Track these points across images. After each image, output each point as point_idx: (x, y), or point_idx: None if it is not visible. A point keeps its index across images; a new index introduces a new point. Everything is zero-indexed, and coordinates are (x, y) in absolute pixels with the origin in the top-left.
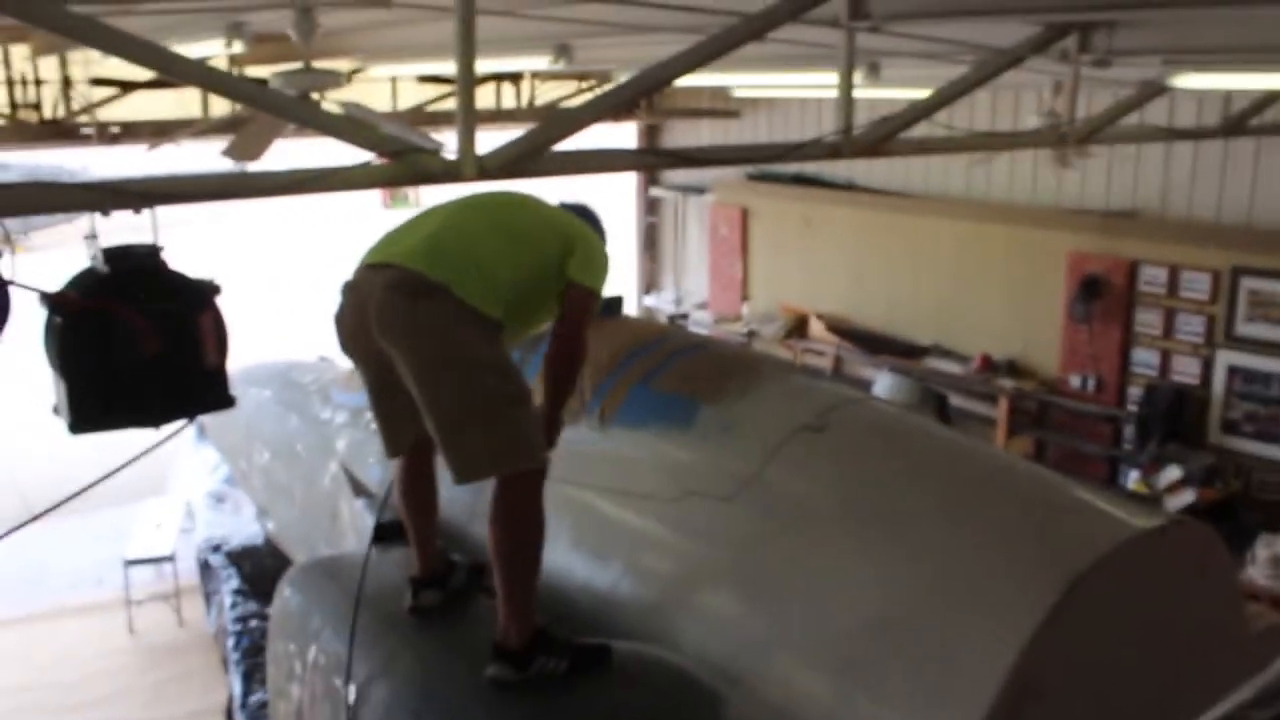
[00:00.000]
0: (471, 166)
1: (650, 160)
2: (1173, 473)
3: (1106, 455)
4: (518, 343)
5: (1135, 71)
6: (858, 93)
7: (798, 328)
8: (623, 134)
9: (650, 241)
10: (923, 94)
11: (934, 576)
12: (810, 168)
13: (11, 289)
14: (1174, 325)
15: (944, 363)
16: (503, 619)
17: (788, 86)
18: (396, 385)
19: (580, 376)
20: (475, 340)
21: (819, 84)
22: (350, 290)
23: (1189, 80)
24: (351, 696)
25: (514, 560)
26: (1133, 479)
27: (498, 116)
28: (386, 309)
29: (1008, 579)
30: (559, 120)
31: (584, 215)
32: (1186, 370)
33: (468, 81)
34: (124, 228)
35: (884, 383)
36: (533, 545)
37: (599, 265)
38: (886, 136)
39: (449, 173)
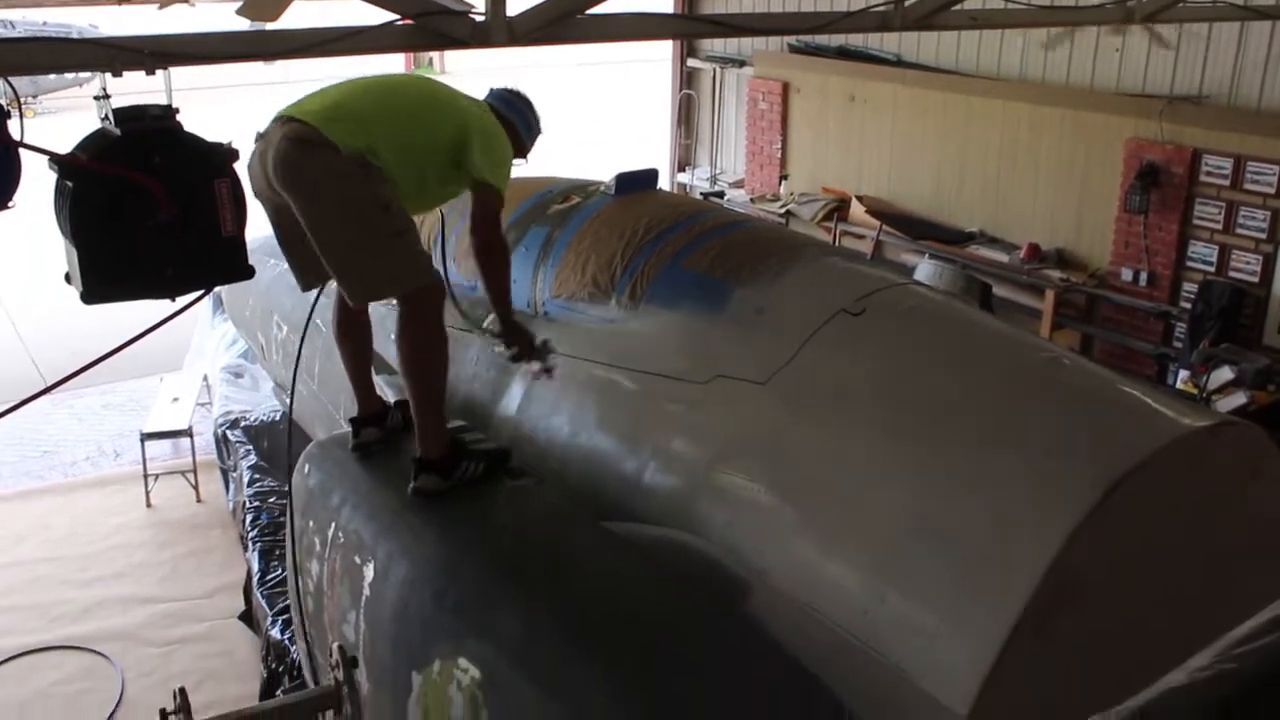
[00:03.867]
0: (501, 30)
1: (688, 27)
2: (1225, 373)
3: (1156, 353)
4: (422, 211)
5: None
6: None
7: (837, 209)
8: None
9: (686, 115)
10: None
11: (971, 470)
12: (857, 40)
13: (21, 151)
14: (1235, 219)
15: (989, 250)
16: (419, 435)
17: None
18: (297, 226)
19: (612, 255)
20: (358, 184)
21: None
22: (259, 139)
23: None
24: (371, 575)
25: (421, 376)
26: (1182, 379)
27: None
28: (281, 157)
29: (1048, 476)
30: None
31: (507, 103)
32: (1246, 267)
33: None
34: (137, 93)
35: (926, 269)
36: (437, 360)
37: (496, 160)
38: (940, 8)
39: (477, 37)
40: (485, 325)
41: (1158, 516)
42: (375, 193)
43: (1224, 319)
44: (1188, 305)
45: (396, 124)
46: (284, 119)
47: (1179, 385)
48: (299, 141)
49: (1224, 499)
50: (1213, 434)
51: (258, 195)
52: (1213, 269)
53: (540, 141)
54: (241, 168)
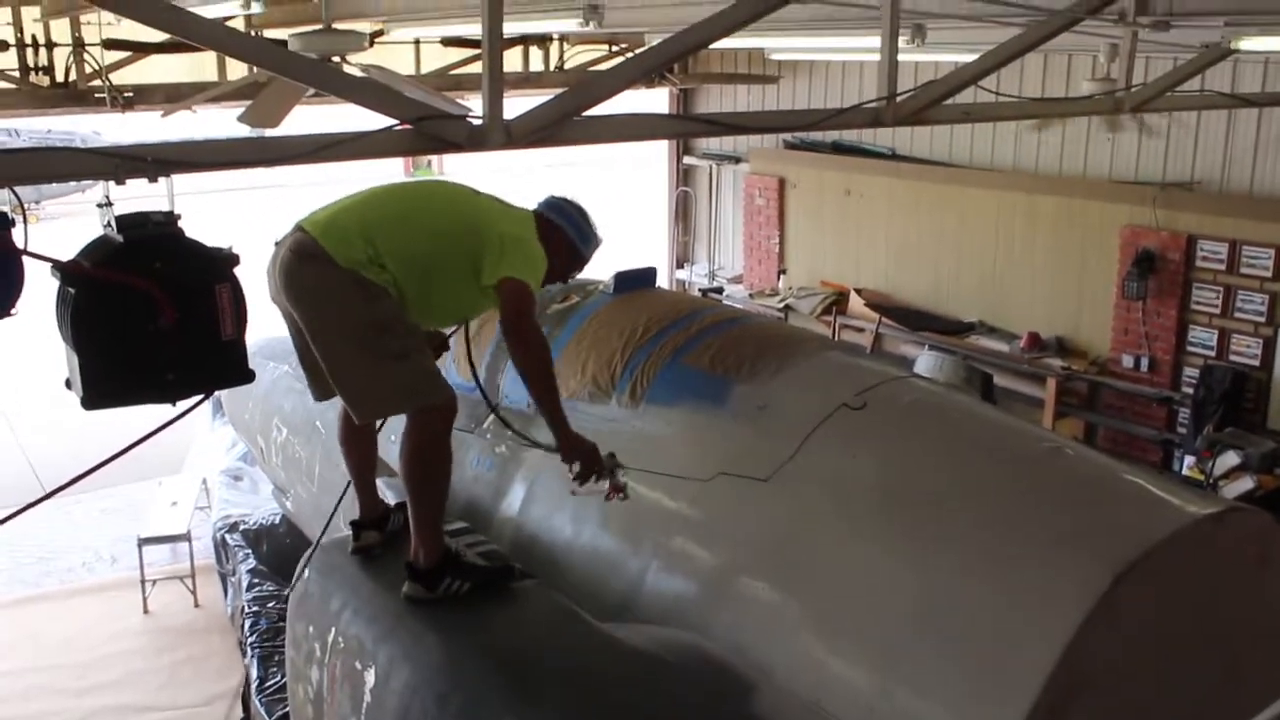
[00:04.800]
0: (498, 133)
1: (683, 126)
2: (1230, 458)
3: (1160, 439)
4: (451, 323)
5: (1196, 34)
6: (902, 57)
7: (836, 303)
8: (655, 100)
9: (683, 212)
10: (970, 58)
11: (977, 564)
12: (851, 136)
13: (24, 259)
14: (1233, 303)
15: (989, 340)
16: (414, 543)
17: (828, 50)
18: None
19: (612, 354)
20: (355, 304)
21: (861, 47)
22: (276, 246)
23: (1254, 43)
24: (372, 681)
25: (421, 491)
26: (1187, 465)
27: (525, 81)
28: (284, 268)
29: (1054, 568)
30: (589, 85)
31: (557, 210)
32: (1246, 351)
33: (495, 43)
34: (138, 197)
35: (926, 361)
36: (438, 477)
37: (523, 259)
38: (932, 103)
39: (474, 140)
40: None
41: (1166, 605)
42: (372, 313)
43: (1227, 403)
44: (1190, 390)
45: (405, 236)
46: (296, 228)
47: (1185, 471)
48: (299, 253)
49: (1232, 586)
50: (1220, 521)
51: (274, 301)
52: (1213, 353)
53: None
54: (242, 272)
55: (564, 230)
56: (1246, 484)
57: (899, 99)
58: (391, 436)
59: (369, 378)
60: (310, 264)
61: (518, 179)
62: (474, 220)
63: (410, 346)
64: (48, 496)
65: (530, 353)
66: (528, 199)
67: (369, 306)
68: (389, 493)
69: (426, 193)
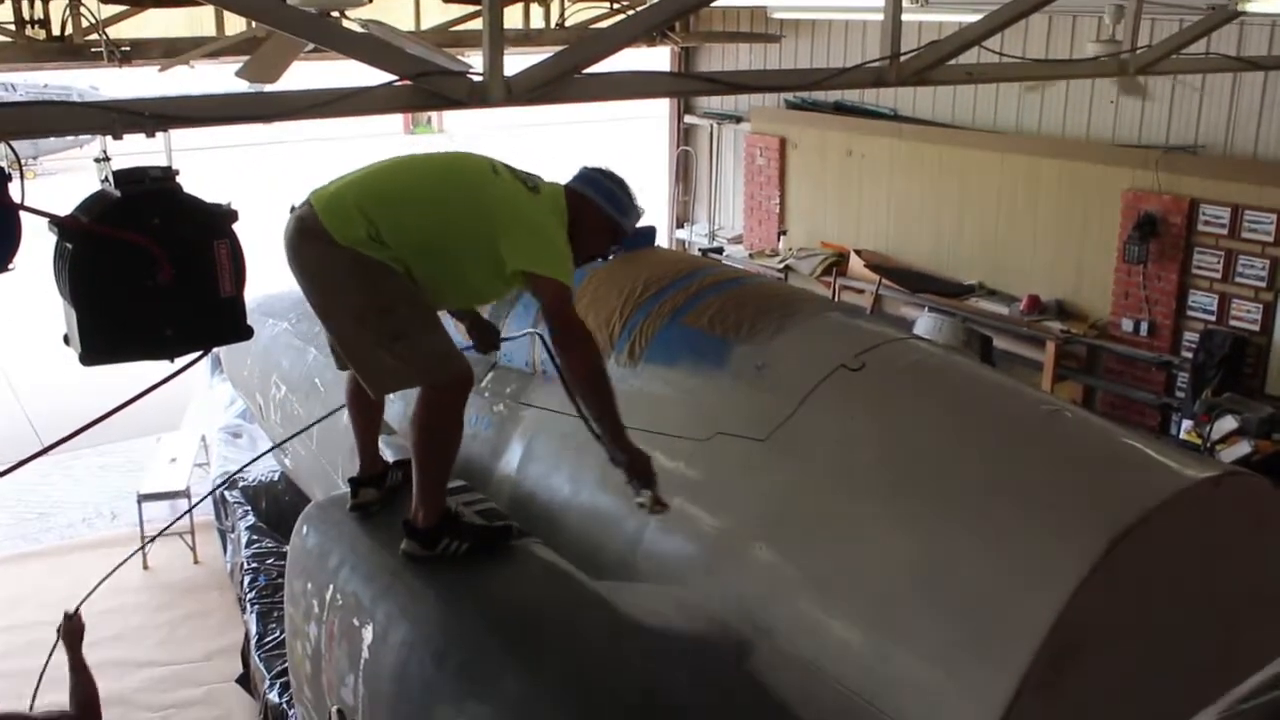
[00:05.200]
0: (499, 89)
1: (685, 85)
2: (1228, 423)
3: (1158, 403)
4: (453, 306)
5: None
6: (906, 16)
7: (836, 264)
8: (656, 58)
9: (683, 172)
10: (974, 18)
11: (974, 526)
12: (853, 96)
13: (21, 213)
14: (1234, 268)
15: (989, 303)
16: (414, 501)
17: (831, 9)
18: None
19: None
20: (354, 283)
21: (865, 6)
22: (289, 215)
23: (1261, 5)
24: (370, 637)
25: (428, 458)
26: (1185, 429)
27: (526, 38)
28: (286, 243)
29: (1051, 530)
30: (590, 42)
31: (590, 182)
32: (1246, 315)
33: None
34: (136, 153)
35: (926, 322)
36: (447, 448)
37: (537, 248)
38: (935, 63)
39: (475, 96)
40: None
41: (1162, 569)
42: (372, 292)
43: (1226, 368)
44: (1189, 355)
45: (408, 213)
46: (306, 199)
47: (1182, 435)
48: (300, 229)
49: (1228, 550)
50: (1217, 485)
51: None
52: (1213, 318)
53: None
54: (241, 229)
55: (597, 204)
56: (1244, 449)
57: (902, 59)
58: (391, 396)
59: (374, 357)
60: (309, 241)
61: (515, 137)
62: (488, 202)
63: (415, 326)
64: (46, 450)
65: (585, 361)
66: (532, 157)
67: (368, 286)
68: (387, 450)
69: (439, 168)
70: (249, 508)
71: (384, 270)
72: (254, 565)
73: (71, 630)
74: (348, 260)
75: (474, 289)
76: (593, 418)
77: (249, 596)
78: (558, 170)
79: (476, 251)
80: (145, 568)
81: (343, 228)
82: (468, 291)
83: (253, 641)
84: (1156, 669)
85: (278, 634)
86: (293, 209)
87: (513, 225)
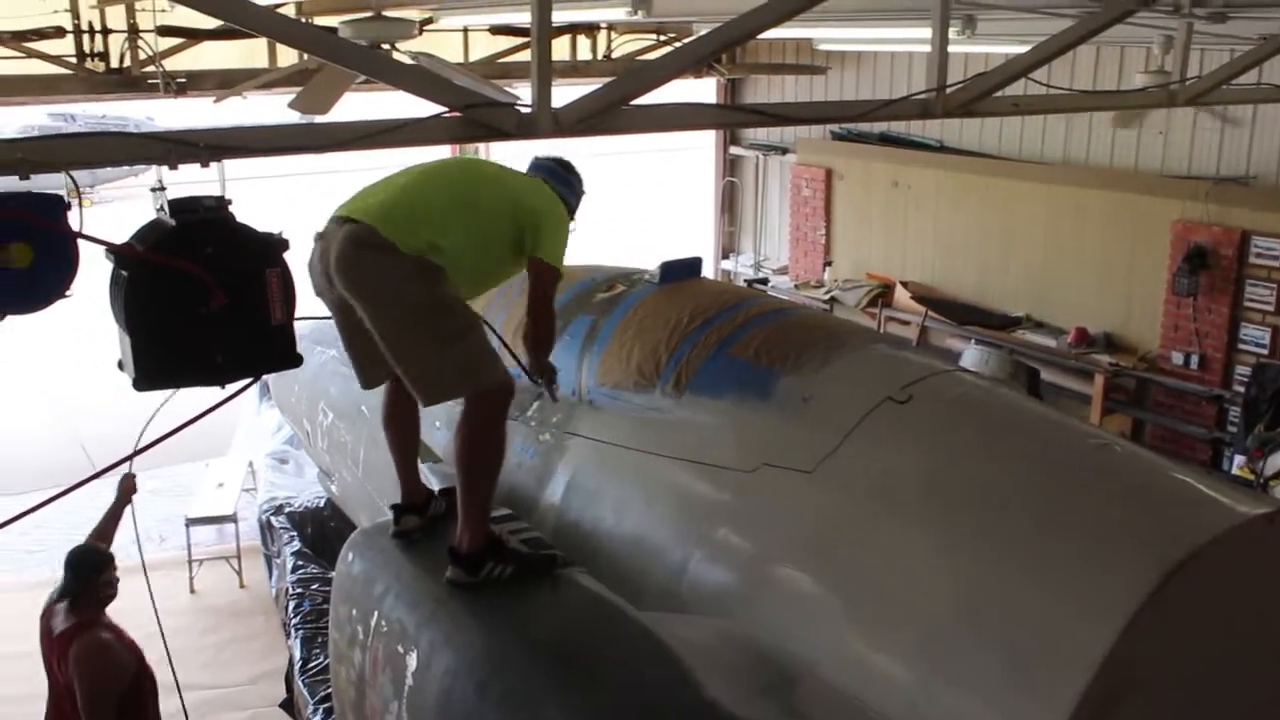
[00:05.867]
0: (547, 121)
1: (731, 117)
2: None
3: (1209, 438)
4: (476, 294)
5: (1254, 25)
6: (952, 48)
7: (882, 295)
8: (702, 90)
9: (729, 202)
10: (1021, 50)
11: (1023, 560)
12: (899, 127)
13: (79, 241)
14: None
15: (1036, 335)
16: (459, 527)
17: (877, 41)
18: (360, 326)
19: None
20: (420, 288)
21: (911, 38)
22: (319, 239)
23: None
24: (414, 665)
25: (472, 472)
26: (1237, 464)
27: (573, 70)
28: (342, 260)
29: (1101, 565)
30: (637, 74)
31: (555, 175)
32: None
33: (544, 32)
34: (191, 182)
35: (972, 355)
36: (490, 461)
37: (559, 239)
38: (981, 95)
39: (523, 127)
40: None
41: (1214, 606)
42: (437, 295)
43: (1278, 402)
44: (1241, 389)
45: (455, 217)
46: (342, 219)
47: (1235, 471)
48: (359, 243)
49: None
50: (1270, 521)
51: (319, 294)
52: (1266, 351)
53: (584, 226)
54: (292, 257)
55: (564, 196)
56: None
57: (948, 90)
58: (436, 423)
59: (435, 359)
60: (372, 253)
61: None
62: (510, 195)
63: (470, 323)
64: (97, 475)
65: (546, 325)
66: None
67: (431, 289)
68: (433, 479)
69: (463, 172)
70: (295, 533)
71: (442, 274)
72: (299, 590)
73: (126, 488)
74: (411, 265)
75: (497, 276)
76: (545, 354)
77: (294, 621)
78: (605, 202)
79: (509, 240)
80: (192, 591)
81: (406, 237)
82: (491, 280)
83: (297, 666)
84: (1206, 707)
85: (322, 659)
86: (322, 235)
87: (546, 217)
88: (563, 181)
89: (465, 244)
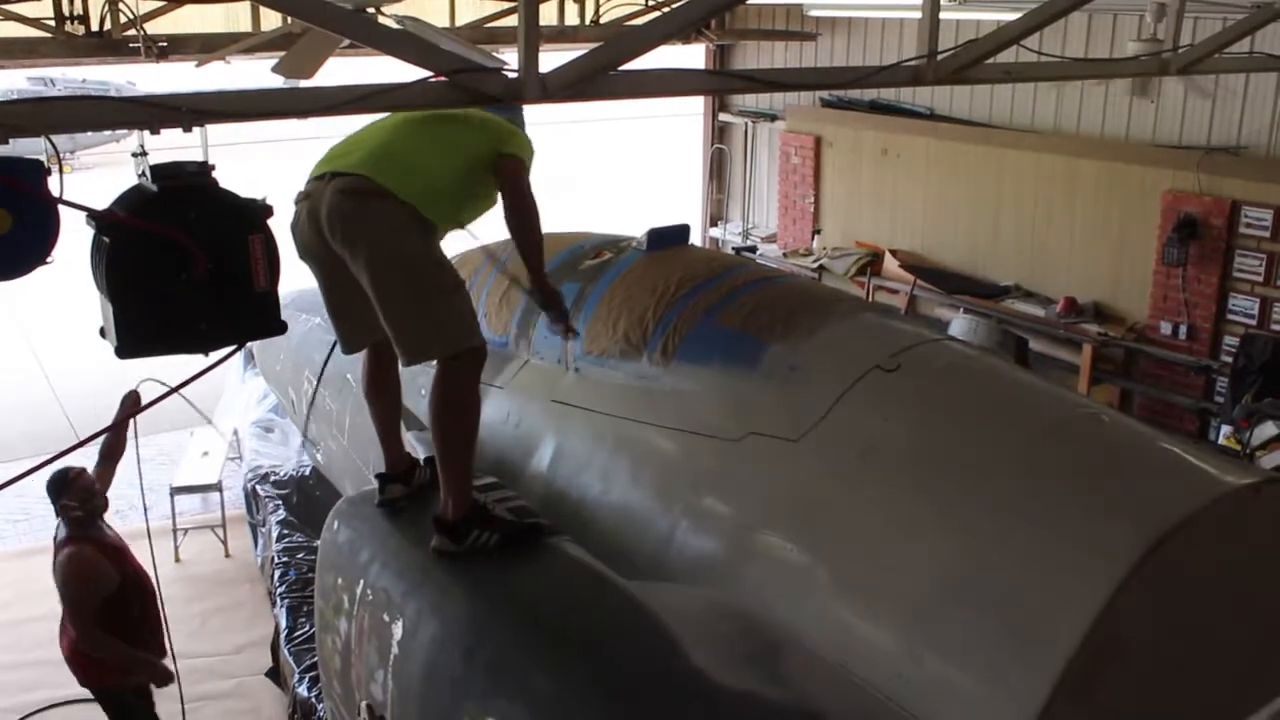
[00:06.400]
0: (534, 87)
1: (720, 83)
2: (1268, 429)
3: (1197, 408)
4: (458, 228)
5: None
6: (943, 14)
7: (871, 264)
8: (691, 55)
9: (717, 170)
10: (1012, 16)
11: (1010, 528)
12: (889, 94)
13: (59, 207)
14: (1276, 271)
15: (1025, 304)
16: (442, 494)
17: (868, 6)
18: (348, 287)
19: (644, 309)
20: (416, 238)
21: (902, 4)
22: (303, 199)
23: None
24: (399, 633)
25: (452, 438)
26: (1224, 434)
27: (561, 35)
28: (337, 212)
29: (1088, 534)
30: (625, 39)
31: (499, 110)
32: None
33: None
34: (173, 148)
35: (961, 324)
36: (467, 424)
37: (524, 142)
38: (972, 62)
39: (510, 93)
40: (525, 285)
41: (1200, 575)
42: (432, 247)
43: (1267, 373)
44: (1229, 359)
45: (440, 155)
46: (329, 175)
47: (1221, 441)
48: (354, 194)
49: (1267, 558)
50: (1256, 492)
51: (304, 257)
52: (1254, 322)
53: (571, 192)
54: (275, 223)
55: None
56: None
57: (939, 57)
58: (421, 391)
59: (425, 314)
60: (369, 200)
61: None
62: (480, 118)
63: (459, 283)
64: (82, 444)
65: (530, 224)
66: (570, 152)
67: (427, 241)
68: (418, 447)
69: (434, 115)
70: (280, 502)
71: (434, 228)
72: (284, 559)
73: (130, 404)
74: (410, 214)
75: (471, 212)
76: (530, 264)
77: (279, 590)
78: (592, 169)
79: (482, 169)
80: (177, 560)
81: (400, 184)
82: (466, 215)
83: (283, 635)
84: (1193, 675)
85: (308, 628)
86: (307, 194)
87: (505, 133)
88: (507, 114)
89: (454, 179)
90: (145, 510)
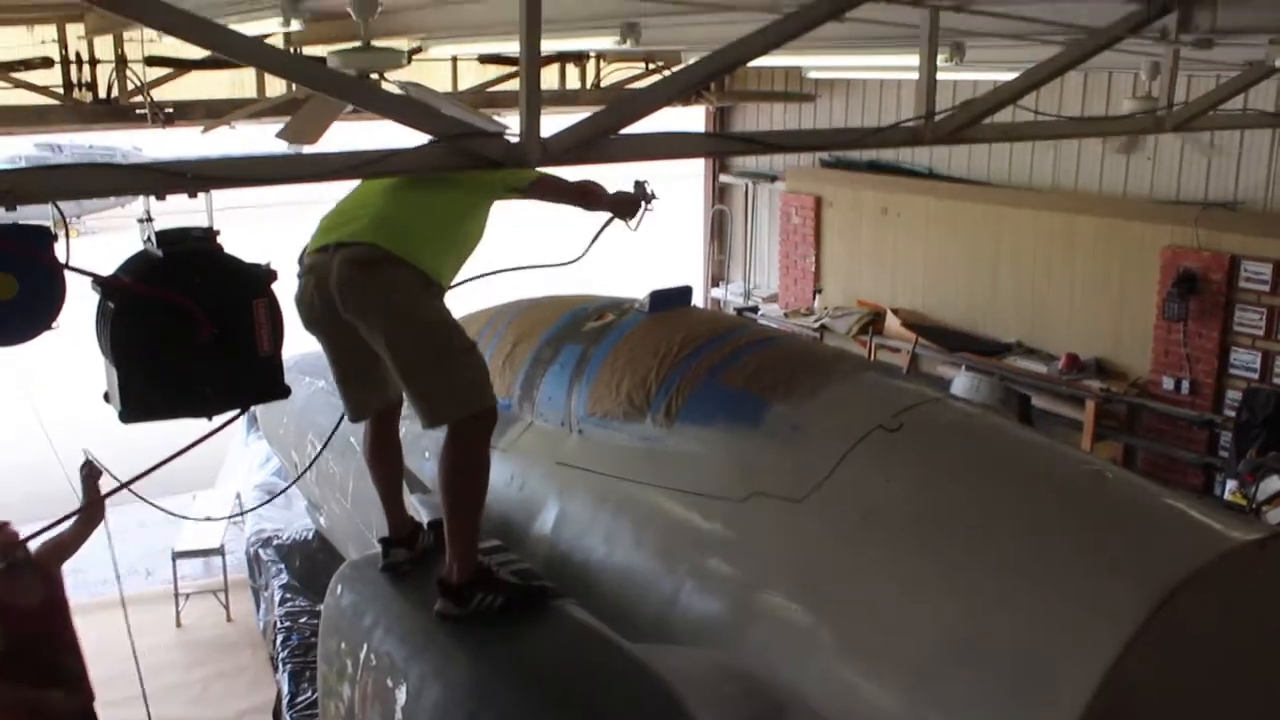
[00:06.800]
0: (535, 150)
1: (720, 145)
2: (1273, 483)
3: (1201, 463)
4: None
5: (1240, 52)
6: (940, 75)
7: (872, 323)
8: (691, 118)
9: (719, 231)
10: (1009, 77)
11: (1014, 588)
12: (888, 154)
13: (65, 272)
14: (1277, 325)
15: (1027, 361)
16: (448, 557)
17: (866, 68)
18: (356, 355)
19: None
20: (429, 302)
21: (899, 65)
22: (308, 272)
23: None
24: (403, 698)
25: (460, 501)
26: (1229, 489)
27: (562, 99)
28: (349, 284)
29: (1093, 593)
30: (626, 103)
31: None
32: None
33: (532, 61)
34: (178, 213)
35: (963, 381)
36: (476, 486)
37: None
38: (970, 122)
39: (512, 156)
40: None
41: (1207, 632)
42: (444, 309)
43: (1270, 427)
44: (1232, 413)
45: (441, 216)
46: (333, 247)
47: (1226, 496)
48: (363, 264)
49: (1274, 613)
50: (1262, 547)
51: (310, 327)
52: (1256, 375)
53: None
54: (279, 288)
55: None
56: None
57: (937, 118)
58: (425, 453)
59: (445, 377)
60: (383, 269)
61: None
62: (466, 174)
63: (473, 345)
64: (83, 509)
65: (598, 190)
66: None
67: (438, 302)
68: (421, 510)
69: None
70: (283, 566)
71: (441, 289)
72: (287, 624)
73: (90, 474)
74: (419, 278)
75: (472, 244)
76: (584, 202)
77: (282, 656)
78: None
79: (482, 206)
80: (178, 625)
81: (408, 249)
82: (467, 253)
83: (285, 701)
84: None
85: (310, 694)
86: (310, 267)
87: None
88: None
89: (453, 236)
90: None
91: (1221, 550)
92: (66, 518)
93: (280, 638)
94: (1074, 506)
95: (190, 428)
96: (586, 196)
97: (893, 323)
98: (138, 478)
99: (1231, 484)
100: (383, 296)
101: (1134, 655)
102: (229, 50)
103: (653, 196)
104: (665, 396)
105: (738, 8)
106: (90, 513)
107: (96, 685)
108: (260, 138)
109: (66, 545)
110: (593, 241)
